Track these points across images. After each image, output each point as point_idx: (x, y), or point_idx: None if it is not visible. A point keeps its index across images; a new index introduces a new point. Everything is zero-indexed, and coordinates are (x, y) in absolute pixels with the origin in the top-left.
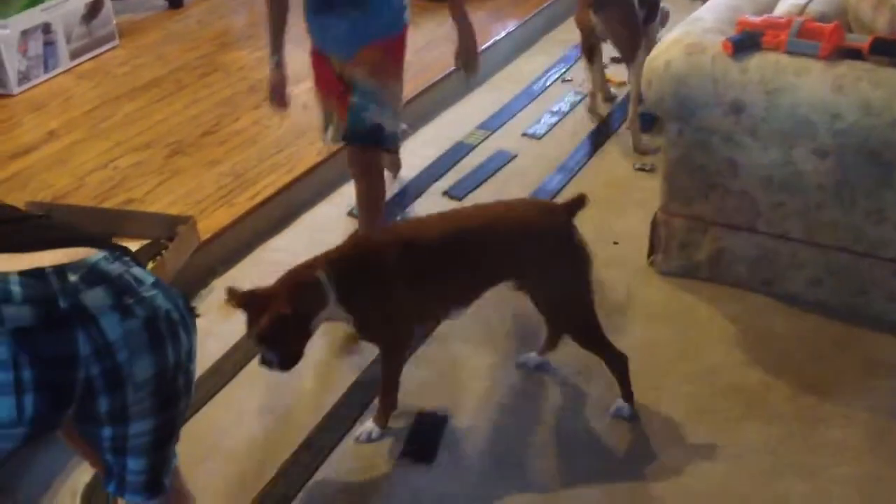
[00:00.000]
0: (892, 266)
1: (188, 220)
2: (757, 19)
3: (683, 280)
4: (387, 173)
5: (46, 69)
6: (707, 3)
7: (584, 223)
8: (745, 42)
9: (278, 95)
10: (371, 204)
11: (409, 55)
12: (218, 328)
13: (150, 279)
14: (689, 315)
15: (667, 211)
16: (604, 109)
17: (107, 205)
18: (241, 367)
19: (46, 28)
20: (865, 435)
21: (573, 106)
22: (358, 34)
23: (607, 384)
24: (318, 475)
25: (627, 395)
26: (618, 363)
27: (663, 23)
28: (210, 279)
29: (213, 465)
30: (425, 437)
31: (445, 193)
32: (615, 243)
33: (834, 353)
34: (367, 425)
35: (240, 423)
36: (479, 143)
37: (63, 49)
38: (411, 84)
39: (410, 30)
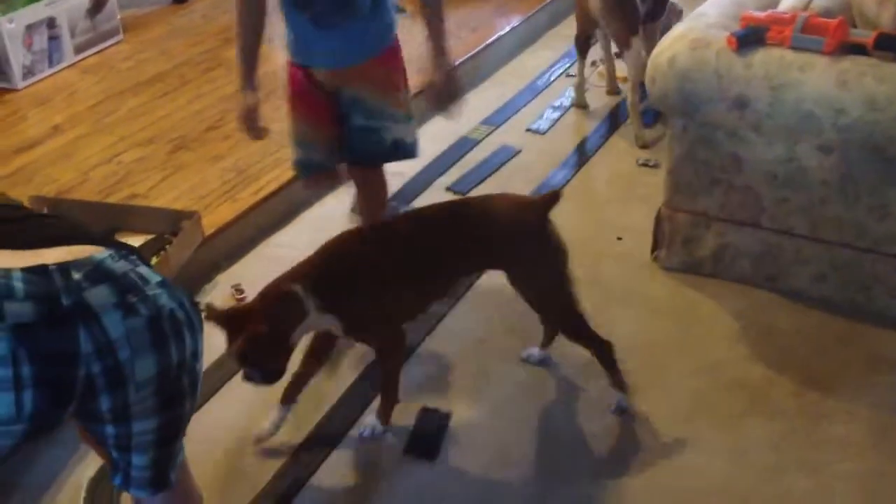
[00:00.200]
0: None
1: (192, 216)
2: (761, 14)
3: (687, 275)
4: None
5: (51, 64)
6: None
7: (588, 218)
8: (750, 37)
9: (252, 122)
10: (375, 211)
11: (413, 50)
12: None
13: (155, 278)
14: (693, 310)
15: (671, 206)
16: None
17: (111, 199)
18: None
19: (51, 22)
20: (869, 431)
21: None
22: (353, 47)
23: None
24: (321, 471)
25: (619, 383)
26: (603, 351)
27: (675, 19)
28: (214, 274)
29: (216, 460)
30: (428, 434)
31: (449, 188)
32: (619, 238)
33: (837, 348)
34: (370, 420)
35: (242, 418)
36: (483, 139)
37: (67, 43)
38: (416, 79)
39: (413, 25)
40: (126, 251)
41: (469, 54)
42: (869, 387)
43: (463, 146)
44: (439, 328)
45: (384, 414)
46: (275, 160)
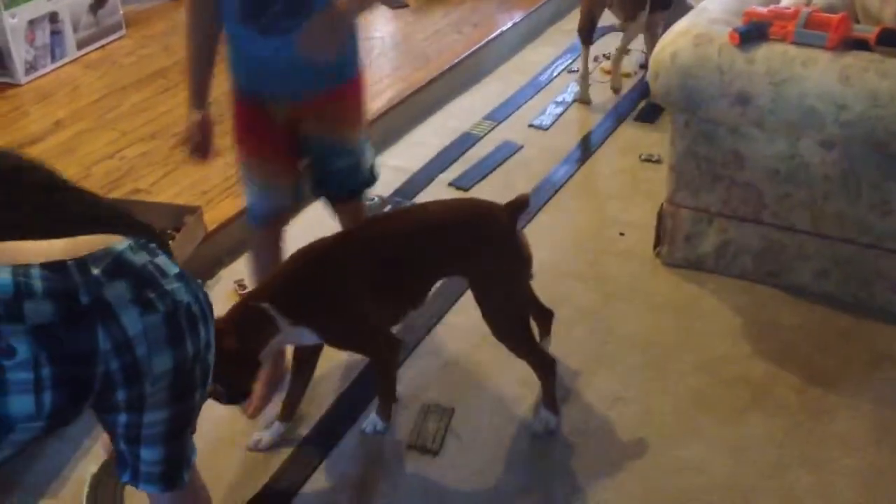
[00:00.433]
0: None
1: (195, 211)
2: (764, 10)
3: (689, 271)
4: None
5: (53, 59)
6: None
7: (591, 214)
8: (752, 33)
9: (196, 142)
10: None
11: (416, 45)
12: None
13: (173, 269)
14: (695, 306)
15: (673, 202)
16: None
17: (113, 195)
18: None
19: (53, 17)
20: (871, 427)
21: (577, 96)
22: (310, 70)
23: (613, 376)
24: (324, 466)
25: (552, 405)
26: (546, 368)
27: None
28: (217, 270)
29: (217, 458)
30: (431, 429)
31: (451, 184)
32: (621, 234)
33: (840, 344)
34: (372, 417)
35: (243, 416)
36: (486, 134)
37: (70, 39)
38: (420, 73)
39: (415, 20)
40: (146, 237)
41: (471, 50)
42: (871, 383)
43: (465, 142)
44: (441, 325)
45: (384, 412)
46: None
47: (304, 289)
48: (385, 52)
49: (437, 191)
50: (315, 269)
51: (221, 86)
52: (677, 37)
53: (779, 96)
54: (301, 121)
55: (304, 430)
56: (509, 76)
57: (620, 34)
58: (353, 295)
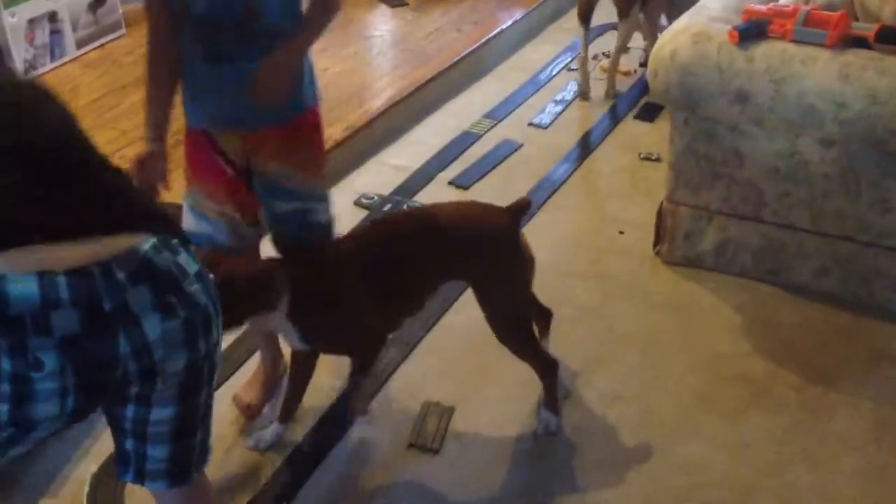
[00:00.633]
0: None
1: None
2: (763, 8)
3: (689, 270)
4: None
5: (53, 58)
6: None
7: (590, 212)
8: (752, 31)
9: (142, 176)
10: None
11: (416, 44)
12: None
13: (193, 268)
14: (695, 304)
15: (672, 200)
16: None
17: None
18: (246, 360)
19: (53, 17)
20: (871, 425)
21: (577, 95)
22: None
23: (612, 375)
24: (324, 466)
25: (553, 406)
26: (547, 369)
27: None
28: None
29: (217, 456)
30: (431, 429)
31: (451, 183)
32: (621, 232)
33: (840, 342)
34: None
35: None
36: (485, 133)
37: (69, 38)
38: (419, 72)
39: (415, 18)
40: (169, 233)
41: (471, 48)
42: (871, 381)
43: (465, 140)
44: (441, 323)
45: (359, 404)
46: None
47: (310, 285)
48: (384, 50)
49: (437, 189)
50: (312, 272)
51: None
52: (676, 35)
53: (778, 94)
54: (252, 154)
55: (303, 431)
56: (509, 74)
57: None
58: (348, 300)
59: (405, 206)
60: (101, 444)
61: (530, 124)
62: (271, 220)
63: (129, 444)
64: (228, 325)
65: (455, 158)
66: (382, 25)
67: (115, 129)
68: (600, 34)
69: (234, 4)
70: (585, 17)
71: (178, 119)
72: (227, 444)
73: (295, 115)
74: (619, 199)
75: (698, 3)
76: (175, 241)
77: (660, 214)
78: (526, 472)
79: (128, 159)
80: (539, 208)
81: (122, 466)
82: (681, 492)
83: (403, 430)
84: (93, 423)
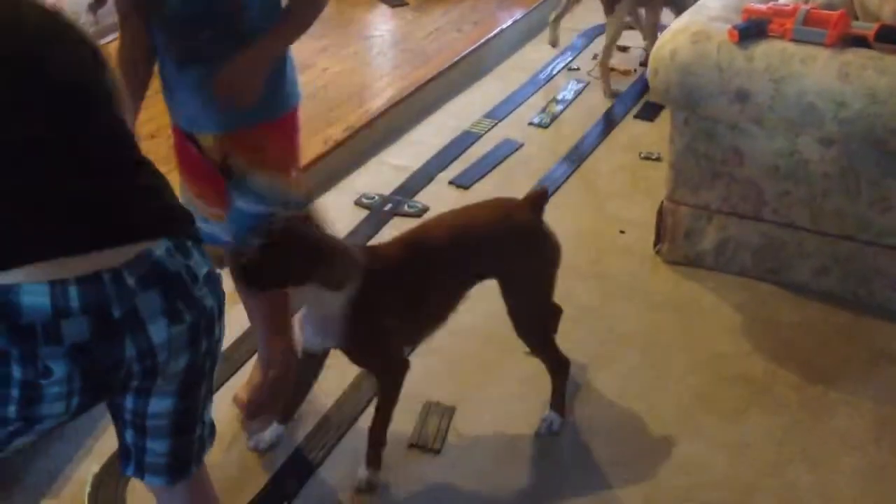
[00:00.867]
0: None
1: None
2: (763, 7)
3: (689, 269)
4: None
5: None
6: None
7: (591, 212)
8: (751, 30)
9: None
10: (282, 316)
11: (416, 43)
12: (226, 317)
13: (203, 270)
14: (695, 304)
15: (673, 199)
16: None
17: None
18: (246, 360)
19: None
20: (871, 424)
21: (577, 94)
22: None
23: (612, 374)
24: (326, 465)
25: (560, 405)
26: (560, 369)
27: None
28: (218, 268)
29: (217, 457)
30: (432, 429)
31: (452, 182)
32: (621, 232)
33: (840, 342)
34: (361, 472)
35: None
36: (486, 132)
37: None
38: (420, 72)
39: (415, 18)
40: (184, 235)
41: (471, 48)
42: (871, 380)
43: (465, 140)
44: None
45: (374, 456)
46: None
47: (366, 284)
48: (384, 50)
49: (438, 189)
50: (380, 274)
51: None
52: (676, 34)
53: (778, 93)
54: (228, 155)
55: (304, 431)
56: (509, 74)
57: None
58: (382, 314)
59: (406, 207)
60: (103, 444)
61: (531, 124)
62: (235, 222)
63: (129, 437)
64: (291, 280)
65: (455, 158)
66: (382, 25)
67: None
68: (600, 33)
69: (214, 2)
70: None
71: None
72: (227, 444)
73: (271, 117)
74: (619, 198)
75: (698, 2)
76: (189, 242)
77: (660, 214)
78: (527, 471)
79: None
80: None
81: (124, 460)
82: (681, 492)
83: (404, 431)
84: (95, 422)
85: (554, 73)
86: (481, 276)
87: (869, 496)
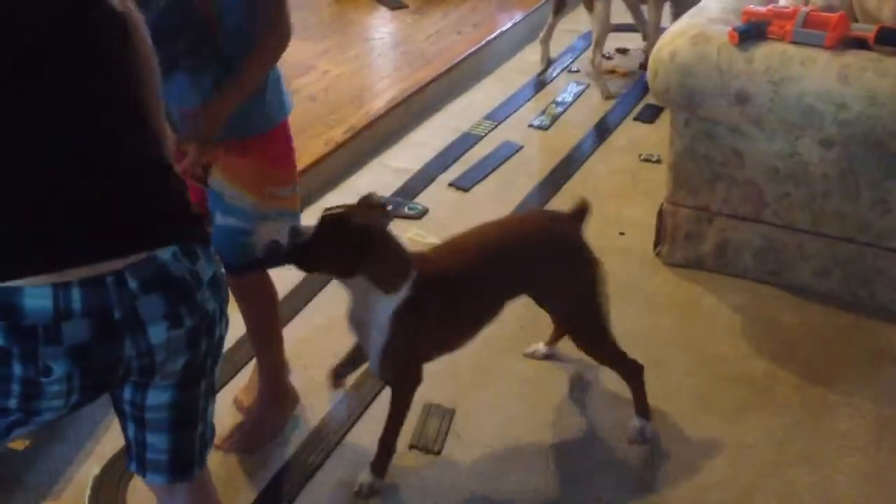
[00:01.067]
0: None
1: None
2: (762, 9)
3: (689, 271)
4: None
5: None
6: None
7: (591, 213)
8: (751, 32)
9: None
10: (271, 333)
11: (416, 46)
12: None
13: (208, 274)
14: (695, 305)
15: (673, 201)
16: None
17: None
18: (247, 362)
19: None
20: (872, 425)
21: (577, 96)
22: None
23: (613, 375)
24: (326, 466)
25: (644, 409)
26: (633, 374)
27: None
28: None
29: (218, 458)
30: (432, 430)
31: (452, 184)
32: (621, 234)
33: (840, 343)
34: (364, 476)
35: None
36: (486, 134)
37: None
38: (420, 74)
39: (415, 21)
40: (192, 241)
41: (471, 50)
42: (872, 381)
43: (465, 142)
44: None
45: (379, 466)
46: None
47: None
48: (385, 52)
49: (438, 191)
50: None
51: None
52: (676, 36)
53: (777, 95)
54: (207, 165)
55: (304, 433)
56: (509, 76)
57: (619, 34)
58: (423, 326)
59: (406, 208)
60: (104, 446)
61: (531, 126)
62: (215, 236)
63: (130, 431)
64: (341, 266)
65: (456, 160)
66: (382, 28)
67: None
68: None
69: (191, 13)
70: (558, 4)
71: None
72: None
73: (246, 137)
74: (619, 200)
75: (698, 4)
76: (197, 246)
77: (660, 215)
78: (526, 472)
79: None
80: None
81: (127, 456)
82: (680, 492)
83: (405, 432)
84: (95, 424)
85: (554, 75)
86: (521, 292)
87: (869, 497)
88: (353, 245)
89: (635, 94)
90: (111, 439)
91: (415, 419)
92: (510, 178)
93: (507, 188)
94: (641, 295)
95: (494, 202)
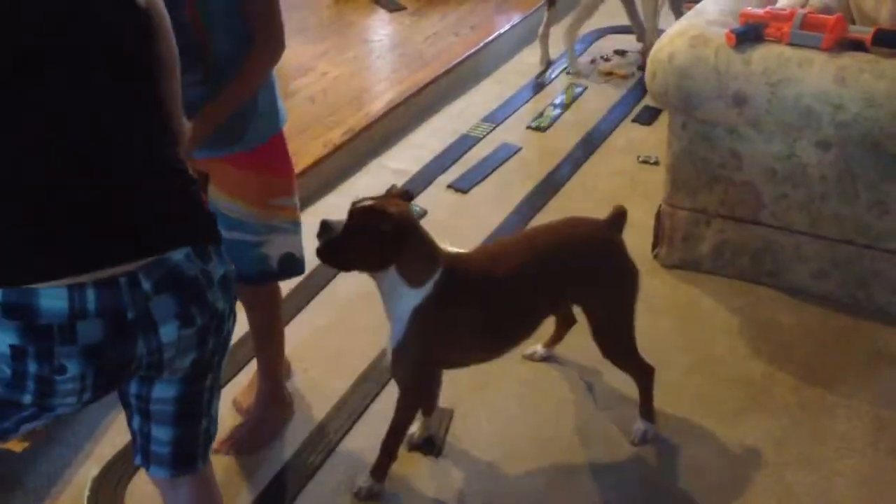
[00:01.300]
0: None
1: None
2: (760, 11)
3: (687, 272)
4: None
5: None
6: None
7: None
8: (749, 34)
9: None
10: (274, 337)
11: (414, 48)
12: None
13: (219, 273)
14: (693, 307)
15: (670, 203)
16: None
17: None
18: (248, 362)
19: None
20: (870, 426)
21: (575, 98)
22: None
23: (614, 377)
24: (326, 468)
25: (649, 412)
26: (646, 377)
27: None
28: None
29: (218, 459)
30: (433, 431)
31: (450, 186)
32: None
33: (838, 344)
34: (363, 480)
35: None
36: (484, 136)
37: None
38: (418, 76)
39: (413, 23)
40: (205, 241)
41: (469, 52)
42: (870, 382)
43: (464, 144)
44: None
45: (379, 470)
46: None
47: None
48: (383, 54)
49: (437, 193)
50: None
51: None
52: (674, 38)
53: (775, 97)
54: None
55: (306, 430)
56: (507, 78)
57: (617, 36)
58: (439, 333)
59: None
60: (103, 448)
61: (529, 127)
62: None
63: (136, 423)
64: (374, 263)
65: (454, 161)
66: (381, 30)
67: None
68: (597, 38)
69: (184, 35)
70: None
71: None
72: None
73: (240, 150)
74: (617, 201)
75: (696, 7)
76: (210, 246)
77: (658, 217)
78: (525, 474)
79: None
80: (537, 212)
81: (133, 448)
82: (679, 493)
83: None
84: (94, 426)
85: (552, 76)
86: (563, 301)
87: (867, 498)
88: (389, 235)
89: (634, 97)
90: (110, 441)
91: (415, 421)
92: (509, 179)
93: (506, 190)
94: (639, 297)
95: (493, 204)
